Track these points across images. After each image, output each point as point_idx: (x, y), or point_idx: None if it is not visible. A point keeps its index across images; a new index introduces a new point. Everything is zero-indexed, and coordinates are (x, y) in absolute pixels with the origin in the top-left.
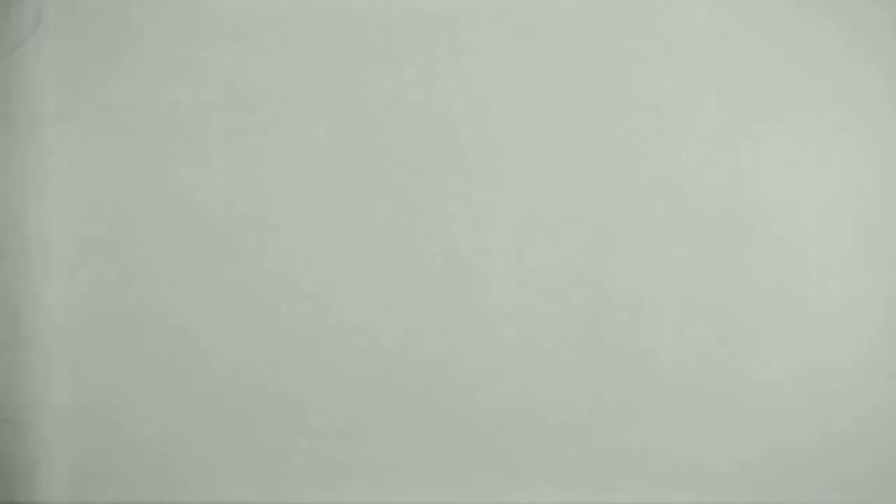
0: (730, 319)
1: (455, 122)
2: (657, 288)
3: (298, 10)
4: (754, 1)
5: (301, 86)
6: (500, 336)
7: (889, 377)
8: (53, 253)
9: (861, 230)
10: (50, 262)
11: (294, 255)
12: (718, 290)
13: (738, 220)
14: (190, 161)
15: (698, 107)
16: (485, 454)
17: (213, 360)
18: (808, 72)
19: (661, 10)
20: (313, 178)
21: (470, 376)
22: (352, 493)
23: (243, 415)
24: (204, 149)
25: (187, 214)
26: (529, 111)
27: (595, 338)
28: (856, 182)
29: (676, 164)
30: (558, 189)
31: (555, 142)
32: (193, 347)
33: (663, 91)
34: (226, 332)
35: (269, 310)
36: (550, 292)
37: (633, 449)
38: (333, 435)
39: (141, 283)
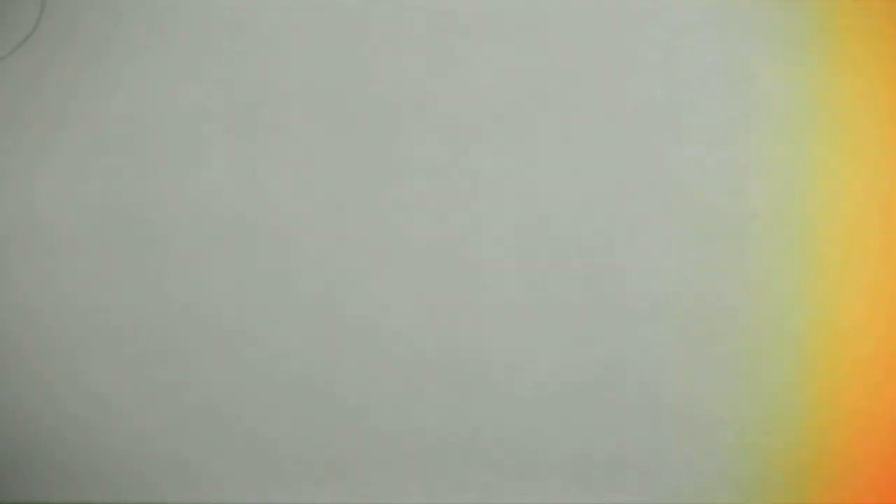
0: (729, 319)
1: (455, 121)
2: (657, 288)
3: (298, 9)
4: (754, 2)
5: (300, 85)
6: (498, 336)
7: (890, 378)
8: (52, 252)
9: (861, 230)
10: (48, 261)
11: (294, 255)
12: (718, 289)
13: (739, 220)
14: (190, 161)
15: (699, 107)
16: (483, 454)
17: (213, 360)
18: (808, 73)
19: (662, 10)
20: (313, 177)
21: (468, 376)
22: (351, 494)
23: (242, 415)
24: (204, 149)
25: (188, 214)
26: (530, 110)
27: (594, 337)
28: (856, 182)
29: (677, 164)
30: (558, 188)
31: (555, 140)
32: (191, 347)
33: (664, 90)
34: (224, 332)
35: (269, 309)
36: (549, 292)
37: (632, 450)
38: (333, 435)
39: (139, 284)
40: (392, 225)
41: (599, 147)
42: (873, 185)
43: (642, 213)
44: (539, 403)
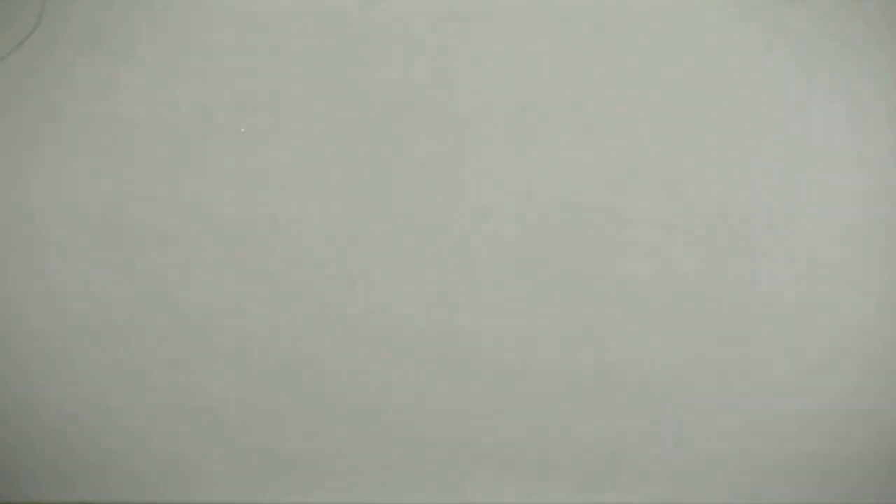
0: (728, 319)
1: (455, 121)
2: (655, 288)
3: (297, 11)
4: (755, 2)
5: (300, 86)
6: (496, 337)
7: (888, 377)
8: (46, 251)
9: (860, 230)
10: (42, 261)
11: (294, 254)
12: (716, 289)
13: (737, 220)
14: (189, 162)
15: (698, 107)
16: (481, 454)
17: (213, 361)
18: (808, 73)
19: (663, 10)
20: (313, 178)
21: (466, 376)
22: (348, 494)
23: (242, 415)
24: (203, 150)
25: (186, 215)
26: (530, 110)
27: (592, 338)
28: (855, 182)
29: (676, 164)
30: (557, 189)
31: (555, 141)
32: (193, 348)
33: (664, 91)
34: (226, 332)
35: (269, 310)
36: (548, 292)
37: (631, 450)
38: (330, 435)
39: (139, 284)
40: (391, 225)
41: (597, 147)
42: (873, 184)
43: (641, 212)
44: (538, 403)
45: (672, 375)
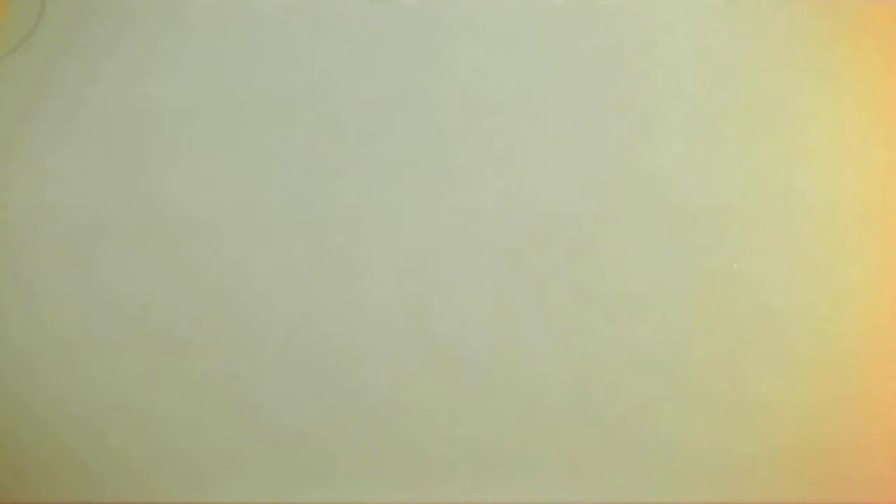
0: (720, 320)
1: (438, 121)
2: (645, 289)
3: (285, 8)
4: (742, 0)
5: (286, 85)
6: (486, 339)
7: (885, 378)
8: (38, 252)
9: (852, 230)
10: (20, 264)
11: (277, 257)
12: (708, 290)
13: (728, 220)
14: (177, 163)
15: (687, 106)
16: (476, 456)
17: (200, 362)
18: (797, 70)
19: (648, 7)
20: (298, 180)
21: (456, 381)
22: (341, 493)
23: (234, 415)
24: (191, 150)
25: (175, 217)
26: (515, 109)
27: (583, 339)
28: (847, 181)
29: (665, 164)
30: (544, 189)
31: (541, 141)
32: (175, 350)
33: (650, 90)
34: (207, 335)
35: (255, 313)
36: (535, 294)
37: (626, 450)
38: (323, 435)
39: (125, 285)
40: (375, 228)
41: (581, 146)
42: (866, 184)
43: (628, 212)
44: (527, 404)
45: (663, 378)
